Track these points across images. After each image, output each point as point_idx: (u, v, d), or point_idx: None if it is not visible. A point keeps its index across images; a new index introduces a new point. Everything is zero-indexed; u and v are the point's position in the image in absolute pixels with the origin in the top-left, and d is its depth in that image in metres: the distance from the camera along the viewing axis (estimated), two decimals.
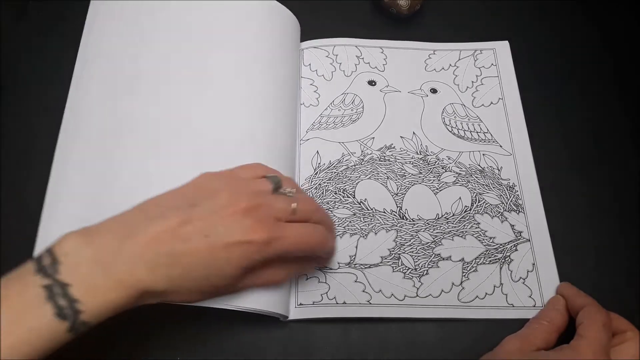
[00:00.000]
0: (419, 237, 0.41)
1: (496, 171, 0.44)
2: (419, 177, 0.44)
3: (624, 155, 0.45)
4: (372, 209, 0.42)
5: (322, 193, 0.43)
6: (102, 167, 0.41)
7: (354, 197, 0.42)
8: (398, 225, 0.41)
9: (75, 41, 0.51)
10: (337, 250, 0.40)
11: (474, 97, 0.48)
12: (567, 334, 0.36)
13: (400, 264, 0.40)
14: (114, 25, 0.48)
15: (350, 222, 0.41)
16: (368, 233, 0.41)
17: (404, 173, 0.44)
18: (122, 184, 0.40)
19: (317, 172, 0.44)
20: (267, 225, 0.32)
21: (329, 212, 0.42)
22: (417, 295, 0.39)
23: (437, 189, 0.43)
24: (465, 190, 0.43)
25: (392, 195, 0.43)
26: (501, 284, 0.39)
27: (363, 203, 0.42)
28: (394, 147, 0.45)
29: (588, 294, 0.38)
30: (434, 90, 0.48)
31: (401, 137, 0.45)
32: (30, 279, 0.27)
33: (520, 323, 0.38)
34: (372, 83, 0.48)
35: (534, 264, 0.40)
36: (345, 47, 0.50)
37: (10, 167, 0.44)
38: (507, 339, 0.36)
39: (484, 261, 0.40)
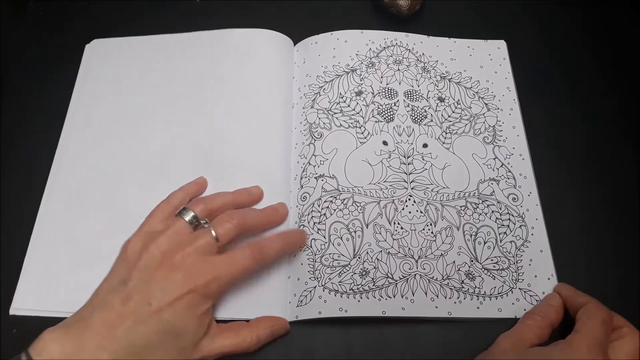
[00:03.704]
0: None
1: None
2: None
3: (622, 153, 0.46)
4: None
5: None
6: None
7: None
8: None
9: (74, 42, 0.50)
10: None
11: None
12: (567, 332, 0.35)
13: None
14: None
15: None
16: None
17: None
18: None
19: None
20: (202, 269, 0.33)
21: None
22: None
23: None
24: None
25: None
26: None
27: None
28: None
29: (583, 291, 0.38)
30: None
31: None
32: None
33: (516, 322, 0.37)
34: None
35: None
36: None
37: (9, 167, 0.44)
38: (501, 337, 0.35)
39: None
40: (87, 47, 0.50)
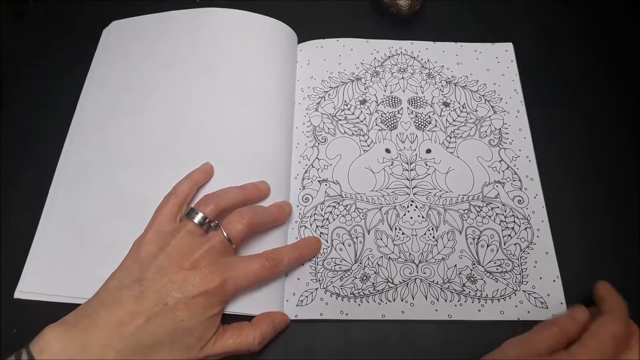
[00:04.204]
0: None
1: None
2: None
3: (629, 155, 0.45)
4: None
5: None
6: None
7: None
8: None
9: (74, 42, 0.51)
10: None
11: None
12: None
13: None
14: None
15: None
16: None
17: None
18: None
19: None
20: (216, 271, 0.34)
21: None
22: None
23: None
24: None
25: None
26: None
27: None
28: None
29: (588, 294, 0.38)
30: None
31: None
32: None
33: (519, 324, 0.38)
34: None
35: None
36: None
37: (8, 162, 0.45)
38: (509, 343, 0.34)
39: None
40: (105, 30, 0.51)
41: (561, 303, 0.39)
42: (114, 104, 0.46)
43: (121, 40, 0.50)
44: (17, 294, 0.39)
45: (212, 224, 0.37)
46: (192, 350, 0.33)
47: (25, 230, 0.41)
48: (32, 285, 0.39)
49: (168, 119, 0.45)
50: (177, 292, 0.33)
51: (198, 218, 0.36)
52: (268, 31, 0.49)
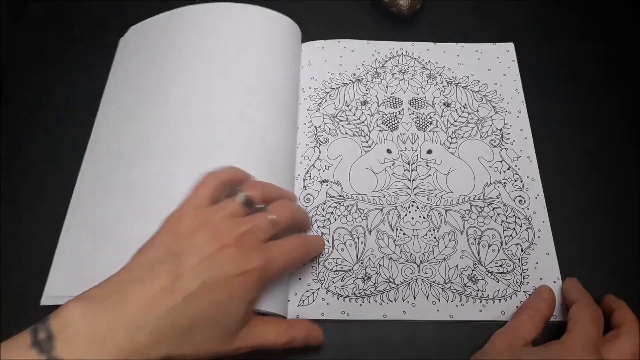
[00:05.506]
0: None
1: None
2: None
3: (630, 155, 0.45)
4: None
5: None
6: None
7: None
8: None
9: (74, 42, 0.51)
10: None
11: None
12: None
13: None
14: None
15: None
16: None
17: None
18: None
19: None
20: (259, 250, 0.32)
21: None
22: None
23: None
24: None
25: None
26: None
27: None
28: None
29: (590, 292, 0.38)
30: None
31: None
32: (25, 353, 0.26)
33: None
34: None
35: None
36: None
37: (7, 172, 0.45)
38: (496, 336, 0.35)
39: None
40: (122, 39, 0.50)
41: (561, 304, 0.39)
42: (131, 108, 0.46)
43: (138, 46, 0.50)
44: (45, 301, 0.38)
45: (257, 206, 0.35)
46: (225, 337, 0.31)
47: (47, 236, 0.41)
48: (58, 290, 0.38)
49: (179, 119, 0.44)
50: (216, 270, 0.30)
51: (243, 198, 0.34)
52: (278, 27, 0.48)
